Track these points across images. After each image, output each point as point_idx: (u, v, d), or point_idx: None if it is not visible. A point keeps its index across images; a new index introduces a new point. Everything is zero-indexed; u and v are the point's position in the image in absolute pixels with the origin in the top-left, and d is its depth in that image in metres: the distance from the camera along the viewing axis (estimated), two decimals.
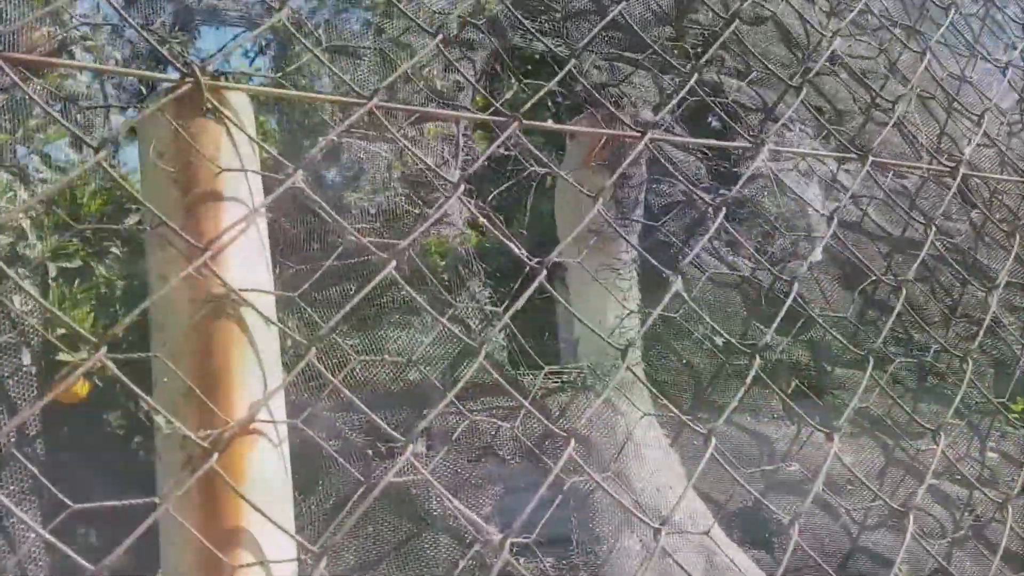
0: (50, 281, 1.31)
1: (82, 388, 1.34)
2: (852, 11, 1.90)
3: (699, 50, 1.78)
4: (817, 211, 1.74)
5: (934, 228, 1.85)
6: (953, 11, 2.01)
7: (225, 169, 1.14)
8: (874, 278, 1.76)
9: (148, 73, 1.32)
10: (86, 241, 1.39)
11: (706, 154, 1.74)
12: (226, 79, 1.42)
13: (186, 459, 1.01)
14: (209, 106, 1.13)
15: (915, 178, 1.95)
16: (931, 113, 2.04)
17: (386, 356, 1.30)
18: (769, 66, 1.74)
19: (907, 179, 1.94)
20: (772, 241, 1.73)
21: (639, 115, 1.67)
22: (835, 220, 1.72)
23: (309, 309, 1.25)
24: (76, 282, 1.35)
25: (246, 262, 1.15)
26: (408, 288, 1.18)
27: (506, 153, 1.64)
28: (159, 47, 1.21)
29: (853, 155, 1.79)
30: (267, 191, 1.20)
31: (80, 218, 1.39)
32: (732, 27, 1.71)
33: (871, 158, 1.79)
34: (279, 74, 1.35)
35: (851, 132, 1.88)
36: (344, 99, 1.32)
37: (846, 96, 1.91)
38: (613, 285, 1.68)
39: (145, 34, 1.22)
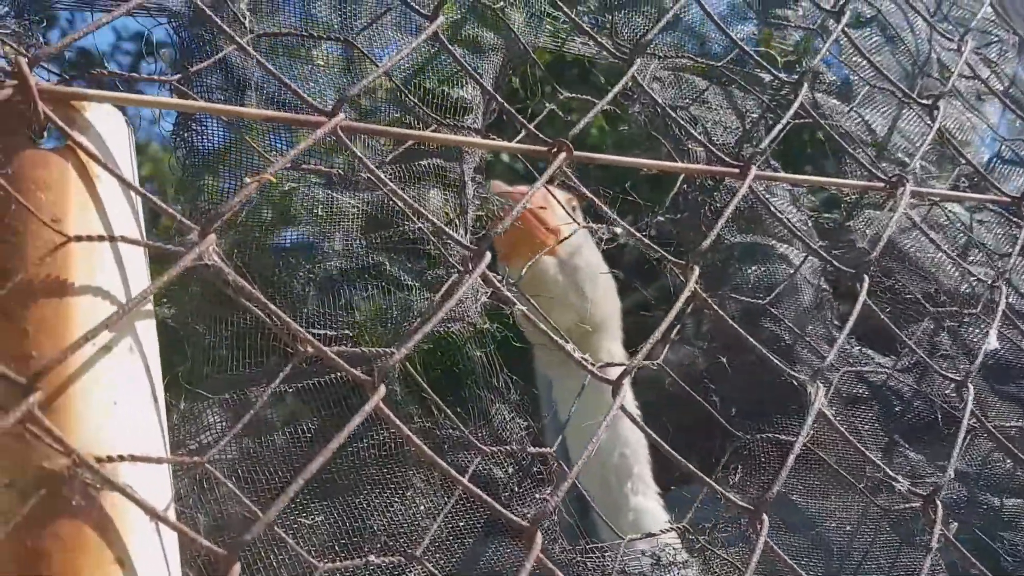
0: None
1: None
2: (966, 13, 1.45)
3: (790, 58, 1.29)
4: (978, 278, 1.23)
5: None
6: None
7: (76, 238, 0.62)
8: None
9: None
10: None
11: (815, 205, 1.22)
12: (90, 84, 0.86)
13: None
14: (46, 125, 0.61)
15: None
16: None
17: (368, 554, 0.72)
18: (892, 79, 1.25)
19: None
20: (916, 324, 1.21)
21: (715, 147, 1.16)
22: (1004, 292, 1.21)
23: (221, 476, 0.67)
24: None
25: (114, 406, 0.61)
26: (399, 423, 0.63)
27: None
28: None
29: (1007, 199, 1.31)
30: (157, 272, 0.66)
31: None
32: (843, 23, 1.23)
33: None
34: (176, 76, 0.80)
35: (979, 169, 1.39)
36: (286, 116, 0.77)
37: (965, 123, 1.44)
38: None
39: None
